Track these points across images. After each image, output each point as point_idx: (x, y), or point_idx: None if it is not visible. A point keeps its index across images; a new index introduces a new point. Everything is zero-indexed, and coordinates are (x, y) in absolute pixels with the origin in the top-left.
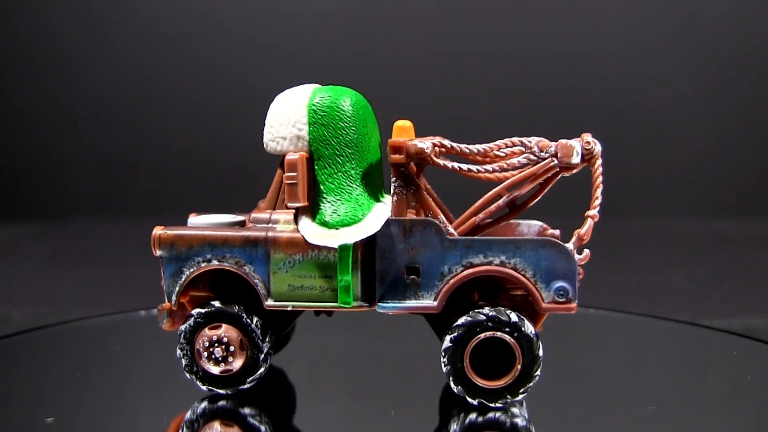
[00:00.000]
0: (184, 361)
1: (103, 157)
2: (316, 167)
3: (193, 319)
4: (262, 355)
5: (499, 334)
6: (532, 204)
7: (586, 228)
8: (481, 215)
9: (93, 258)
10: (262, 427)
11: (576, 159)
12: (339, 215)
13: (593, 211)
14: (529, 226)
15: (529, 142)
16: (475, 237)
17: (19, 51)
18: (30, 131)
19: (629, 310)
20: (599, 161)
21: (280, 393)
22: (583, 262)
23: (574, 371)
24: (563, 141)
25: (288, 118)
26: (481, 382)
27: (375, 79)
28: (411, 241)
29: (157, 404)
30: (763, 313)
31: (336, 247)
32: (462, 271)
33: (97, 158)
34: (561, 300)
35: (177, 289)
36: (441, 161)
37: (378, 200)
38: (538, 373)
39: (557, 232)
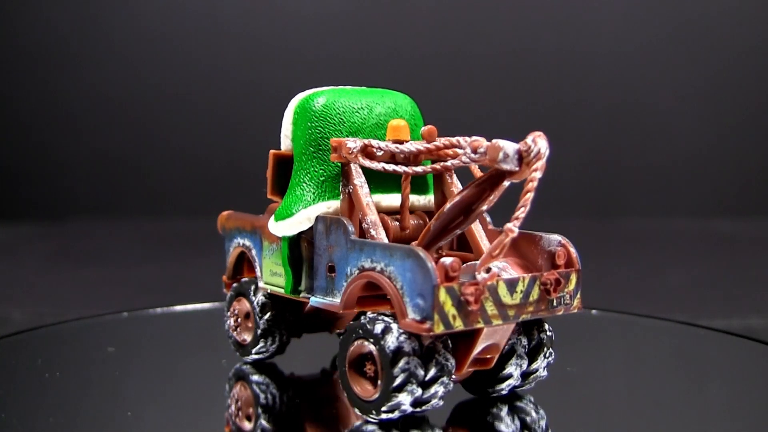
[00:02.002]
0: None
1: (103, 157)
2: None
3: (229, 292)
4: (260, 331)
5: (366, 343)
6: (483, 209)
7: (495, 243)
8: (433, 221)
9: (93, 258)
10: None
11: (505, 162)
12: (282, 209)
13: (511, 224)
14: (549, 241)
15: (465, 141)
16: (367, 240)
17: (19, 51)
18: (30, 131)
19: (629, 310)
20: (536, 166)
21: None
22: (488, 282)
23: (574, 371)
24: (495, 141)
25: (285, 118)
26: (357, 391)
27: (375, 80)
28: (330, 239)
29: (157, 404)
30: (763, 313)
31: (280, 237)
32: (357, 274)
33: (97, 158)
34: (416, 318)
35: (227, 263)
36: (367, 161)
37: (335, 198)
38: (399, 394)
39: (566, 246)
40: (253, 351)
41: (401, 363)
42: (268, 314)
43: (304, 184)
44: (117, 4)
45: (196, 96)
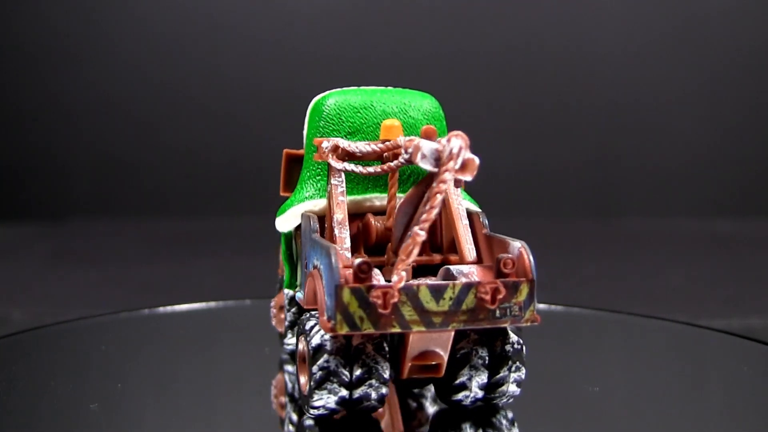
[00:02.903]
0: None
1: (103, 157)
2: None
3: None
4: (287, 323)
5: (302, 339)
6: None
7: (403, 247)
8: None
9: (93, 258)
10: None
11: (423, 162)
12: (283, 205)
13: (417, 228)
14: (513, 247)
15: (402, 141)
16: (317, 238)
17: (19, 50)
18: (30, 131)
19: (629, 310)
20: (447, 166)
21: None
22: (398, 285)
23: (574, 371)
24: (418, 140)
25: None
26: (301, 385)
27: (375, 80)
28: (304, 236)
29: (157, 404)
30: (763, 313)
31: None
32: (310, 271)
33: (97, 158)
34: (325, 316)
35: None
36: (336, 162)
37: (324, 197)
38: (319, 392)
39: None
40: (285, 343)
41: (320, 361)
42: (294, 308)
43: (304, 182)
44: (117, 4)
45: (196, 96)
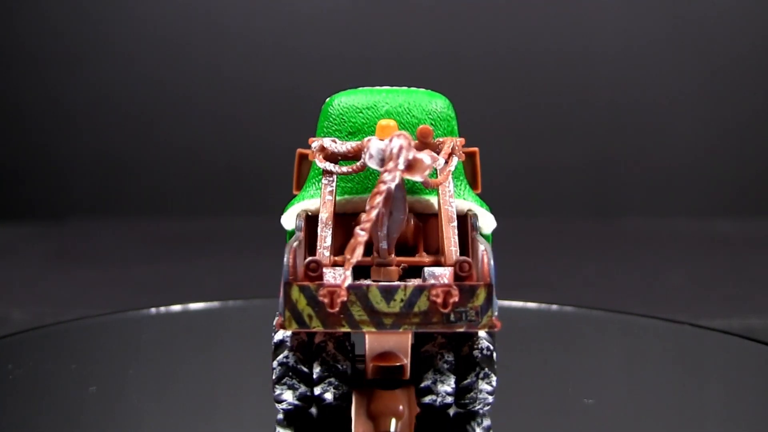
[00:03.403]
0: None
1: (103, 157)
2: None
3: None
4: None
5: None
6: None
7: (347, 248)
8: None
9: (93, 258)
10: None
11: (371, 162)
12: (288, 204)
13: (357, 227)
14: (479, 250)
15: (366, 141)
16: (297, 235)
17: (19, 51)
18: (30, 131)
19: (629, 310)
20: (386, 167)
21: None
22: (343, 285)
23: (574, 371)
24: (370, 140)
25: None
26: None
27: (374, 80)
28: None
29: (157, 404)
30: (763, 313)
31: None
32: None
33: (97, 158)
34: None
35: None
36: (321, 162)
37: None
38: (279, 387)
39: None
40: None
41: (280, 356)
42: None
43: (309, 181)
44: (117, 4)
45: (196, 96)
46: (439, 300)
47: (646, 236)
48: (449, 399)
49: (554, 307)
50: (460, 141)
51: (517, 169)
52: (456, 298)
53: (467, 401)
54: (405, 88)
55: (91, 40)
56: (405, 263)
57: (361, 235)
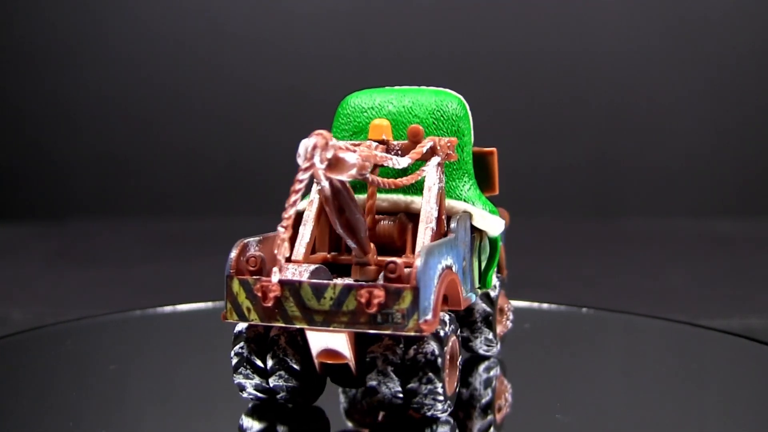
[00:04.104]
0: None
1: (103, 157)
2: None
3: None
4: None
5: None
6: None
7: (275, 246)
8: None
9: (93, 258)
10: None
11: (299, 160)
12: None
13: (279, 227)
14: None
15: None
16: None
17: (19, 51)
18: (30, 131)
19: (629, 310)
20: (304, 165)
21: None
22: (272, 280)
23: (574, 371)
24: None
25: None
26: None
27: (374, 80)
28: None
29: (158, 404)
30: (763, 313)
31: None
32: None
33: (97, 158)
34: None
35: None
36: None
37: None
38: (236, 376)
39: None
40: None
41: (236, 347)
42: None
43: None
44: (117, 4)
45: (196, 96)
46: (363, 300)
47: (646, 236)
48: (397, 401)
49: (555, 306)
50: (447, 141)
51: (517, 169)
52: (381, 300)
53: (415, 405)
54: (420, 87)
55: (91, 40)
56: (380, 263)
57: (281, 232)
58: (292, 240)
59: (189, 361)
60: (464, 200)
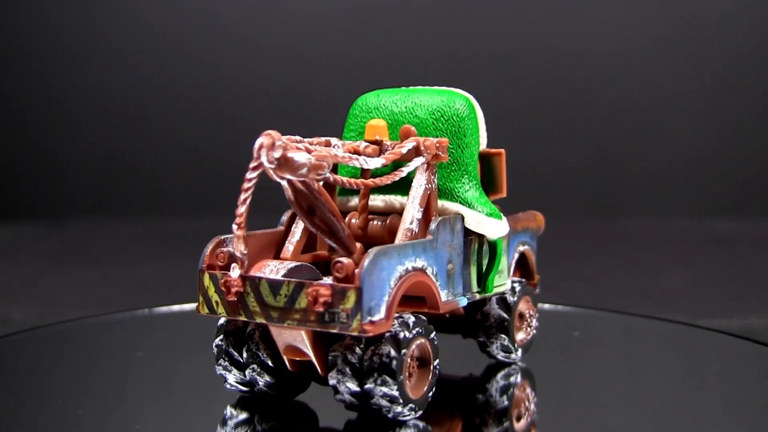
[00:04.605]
0: None
1: (103, 157)
2: None
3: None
4: None
5: None
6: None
7: (232, 243)
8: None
9: (93, 258)
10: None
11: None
12: None
13: (233, 224)
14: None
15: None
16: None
17: (19, 51)
18: (30, 131)
19: (629, 310)
20: (249, 165)
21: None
22: (233, 275)
23: (574, 371)
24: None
25: None
26: None
27: (374, 80)
28: None
29: (158, 404)
30: (763, 313)
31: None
32: None
33: (98, 158)
34: None
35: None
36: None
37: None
38: (217, 366)
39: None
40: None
41: (217, 339)
42: None
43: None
44: (117, 4)
45: (196, 96)
46: (311, 298)
47: (646, 236)
48: (354, 401)
49: (555, 306)
50: (436, 141)
51: (517, 169)
52: (326, 299)
53: (372, 406)
54: (428, 87)
55: (91, 40)
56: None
57: (234, 229)
58: (283, 238)
59: (189, 361)
60: (460, 202)
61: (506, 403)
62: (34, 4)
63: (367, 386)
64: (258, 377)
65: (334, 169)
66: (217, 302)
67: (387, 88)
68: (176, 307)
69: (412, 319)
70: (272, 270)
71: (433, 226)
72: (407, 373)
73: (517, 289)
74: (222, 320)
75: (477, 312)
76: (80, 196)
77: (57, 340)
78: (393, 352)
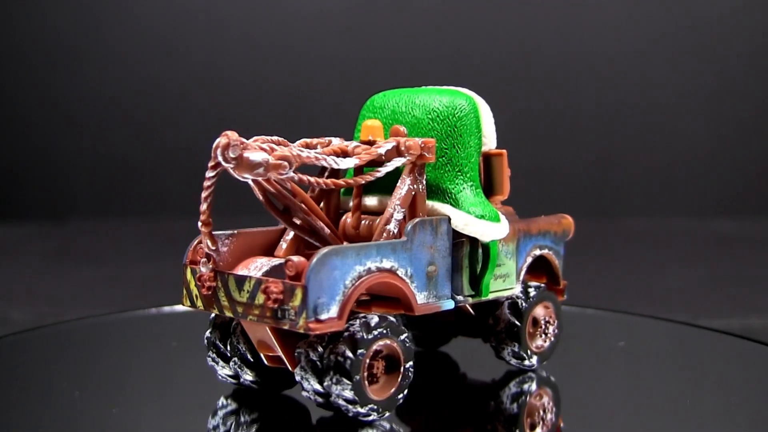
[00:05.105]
0: None
1: (103, 157)
2: None
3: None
4: None
5: None
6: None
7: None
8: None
9: (93, 258)
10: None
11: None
12: None
13: (198, 221)
14: None
15: None
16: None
17: (19, 51)
18: (30, 131)
19: (629, 310)
20: (209, 165)
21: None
22: (203, 270)
23: (574, 371)
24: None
25: None
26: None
27: (374, 80)
28: None
29: (158, 404)
30: (763, 314)
31: None
32: None
33: (97, 158)
34: None
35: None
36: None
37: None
38: (207, 358)
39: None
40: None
41: (207, 332)
42: None
43: None
44: (117, 4)
45: (196, 96)
46: (264, 295)
47: (646, 236)
48: (320, 399)
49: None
50: (421, 142)
51: (517, 169)
52: (277, 296)
53: (334, 405)
54: (435, 87)
55: (91, 40)
56: None
57: (199, 226)
58: (280, 236)
59: (189, 361)
60: (450, 203)
61: (515, 410)
62: (34, 4)
63: (325, 384)
64: (240, 370)
65: (337, 172)
66: (196, 296)
67: (397, 89)
68: (176, 308)
69: (375, 320)
70: (257, 267)
71: (408, 227)
72: (365, 374)
73: (532, 294)
74: (212, 315)
75: (489, 316)
76: (80, 196)
77: (57, 340)
78: (348, 352)
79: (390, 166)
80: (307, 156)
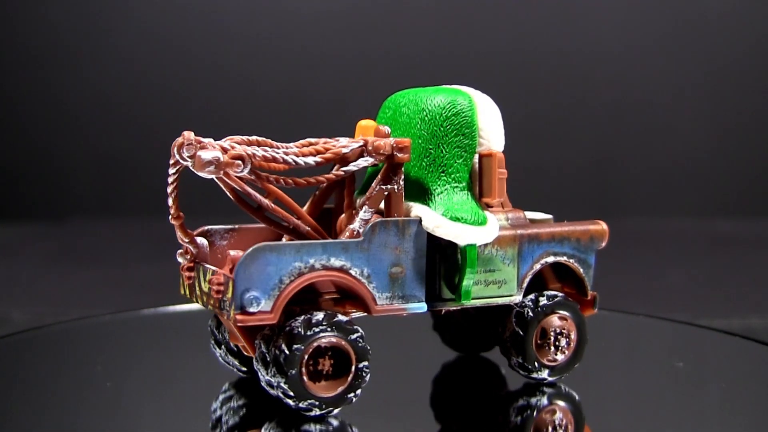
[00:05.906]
0: None
1: (103, 157)
2: None
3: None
4: None
5: None
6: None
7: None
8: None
9: (93, 258)
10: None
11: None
12: None
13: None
14: None
15: None
16: None
17: (19, 51)
18: (30, 131)
19: (629, 310)
20: (170, 162)
21: None
22: (182, 263)
23: (574, 371)
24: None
25: None
26: None
27: (374, 81)
28: None
29: (157, 404)
30: (763, 313)
31: None
32: None
33: (97, 158)
34: None
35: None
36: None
37: None
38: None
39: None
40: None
41: (209, 321)
42: None
43: None
44: (117, 4)
45: (196, 96)
46: (211, 286)
47: (646, 236)
48: (270, 390)
49: None
50: (393, 142)
51: (517, 169)
52: (218, 287)
53: (281, 397)
54: (440, 87)
55: (91, 40)
56: None
57: (170, 220)
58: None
59: (189, 361)
60: (427, 203)
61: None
62: (34, 4)
63: (268, 377)
64: (226, 358)
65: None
66: (189, 287)
67: (413, 88)
68: (176, 307)
69: (319, 317)
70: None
71: (367, 227)
72: (305, 369)
73: (542, 303)
74: None
75: (499, 324)
76: (80, 196)
77: (57, 340)
78: (284, 347)
79: (355, 166)
80: (263, 155)
